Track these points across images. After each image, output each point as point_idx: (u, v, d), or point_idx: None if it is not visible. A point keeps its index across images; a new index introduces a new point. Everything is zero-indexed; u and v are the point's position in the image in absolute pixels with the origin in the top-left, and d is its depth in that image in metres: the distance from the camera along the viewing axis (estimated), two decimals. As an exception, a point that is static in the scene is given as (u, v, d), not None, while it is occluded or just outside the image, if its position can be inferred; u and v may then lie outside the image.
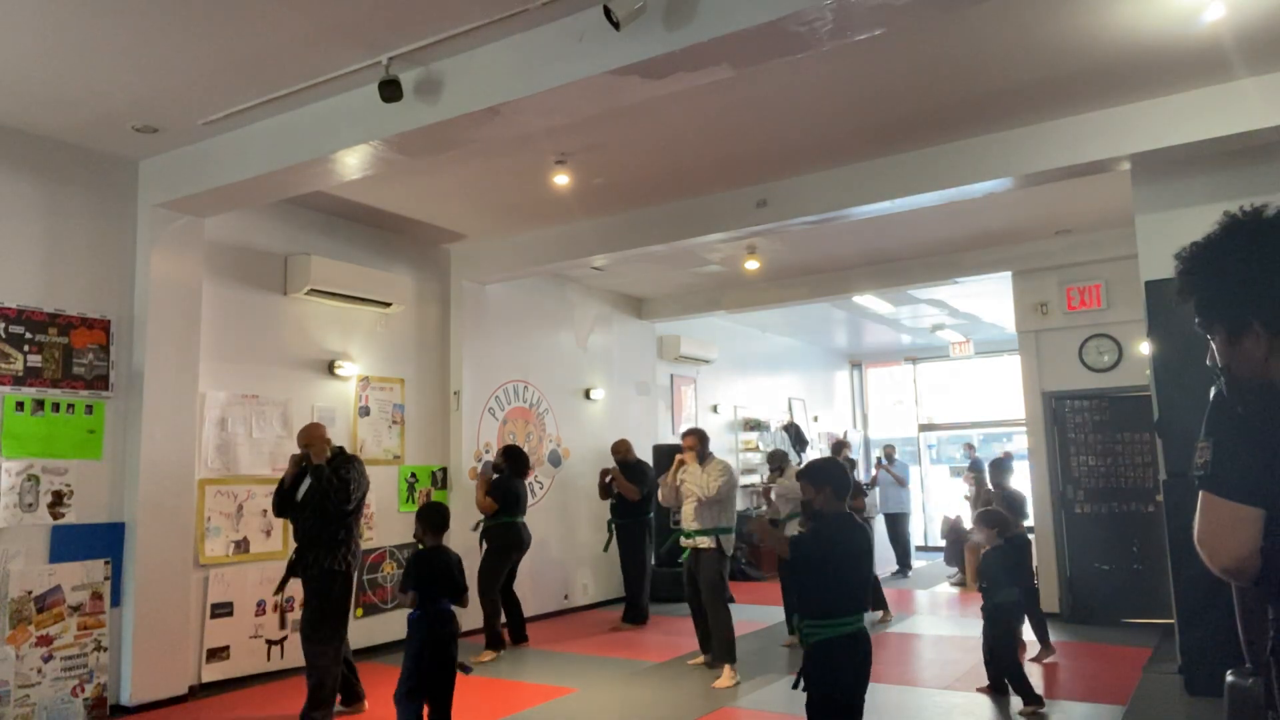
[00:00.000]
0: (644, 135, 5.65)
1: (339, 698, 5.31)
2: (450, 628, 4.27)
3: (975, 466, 12.28)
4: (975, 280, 9.06)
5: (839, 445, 11.26)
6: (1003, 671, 5.27)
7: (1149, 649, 6.71)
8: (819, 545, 3.47)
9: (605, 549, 8.52)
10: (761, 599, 9.32)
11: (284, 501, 5.20)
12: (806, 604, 3.51)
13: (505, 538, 7.10)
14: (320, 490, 5.00)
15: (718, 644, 6.06)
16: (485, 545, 7.11)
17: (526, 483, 7.45)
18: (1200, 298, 1.67)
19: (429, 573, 4.28)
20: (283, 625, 6.33)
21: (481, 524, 7.21)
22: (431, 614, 4.22)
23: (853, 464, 10.63)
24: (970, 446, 12.62)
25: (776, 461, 7.99)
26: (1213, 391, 1.64)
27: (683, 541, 6.29)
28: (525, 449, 8.56)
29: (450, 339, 8.16)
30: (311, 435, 5.19)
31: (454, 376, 8.11)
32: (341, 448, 5.34)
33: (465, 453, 8.01)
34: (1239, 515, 1.50)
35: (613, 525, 8.42)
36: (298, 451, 5.20)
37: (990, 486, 7.36)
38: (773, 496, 7.79)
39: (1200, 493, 1.57)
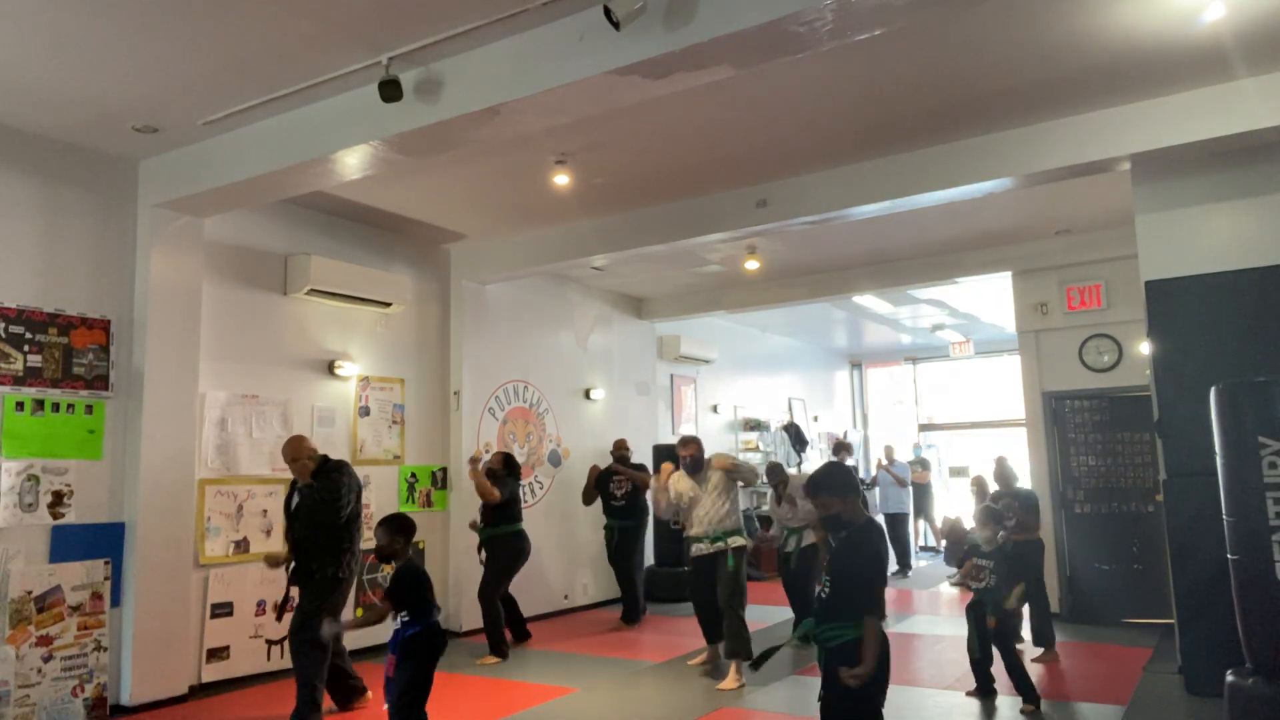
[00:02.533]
0: (644, 135, 5.65)
1: (332, 700, 5.33)
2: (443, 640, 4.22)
3: (922, 466, 13.18)
4: (975, 280, 9.06)
5: (840, 447, 11.23)
6: (1006, 668, 5.24)
7: (1149, 649, 6.72)
8: (873, 549, 3.34)
9: (608, 553, 8.43)
10: (762, 599, 9.31)
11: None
12: (837, 608, 3.31)
13: (510, 547, 7.03)
14: (309, 508, 5.02)
15: (732, 639, 5.93)
16: (488, 554, 7.01)
17: (525, 484, 7.41)
18: None
19: (425, 585, 4.15)
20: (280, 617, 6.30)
21: (481, 529, 7.11)
22: (433, 627, 4.14)
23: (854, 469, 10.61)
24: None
25: (778, 476, 7.29)
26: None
27: (703, 548, 6.07)
28: (525, 449, 8.58)
29: (450, 339, 8.16)
30: (296, 451, 5.18)
31: (454, 376, 8.11)
32: (325, 456, 5.30)
33: (465, 453, 7.99)
34: None
35: (611, 528, 8.37)
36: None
37: (999, 488, 7.23)
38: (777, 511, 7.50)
39: None
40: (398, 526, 4.16)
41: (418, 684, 4.02)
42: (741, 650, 5.92)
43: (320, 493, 5.02)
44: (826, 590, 3.34)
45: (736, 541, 6.07)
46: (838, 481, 3.44)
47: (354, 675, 5.42)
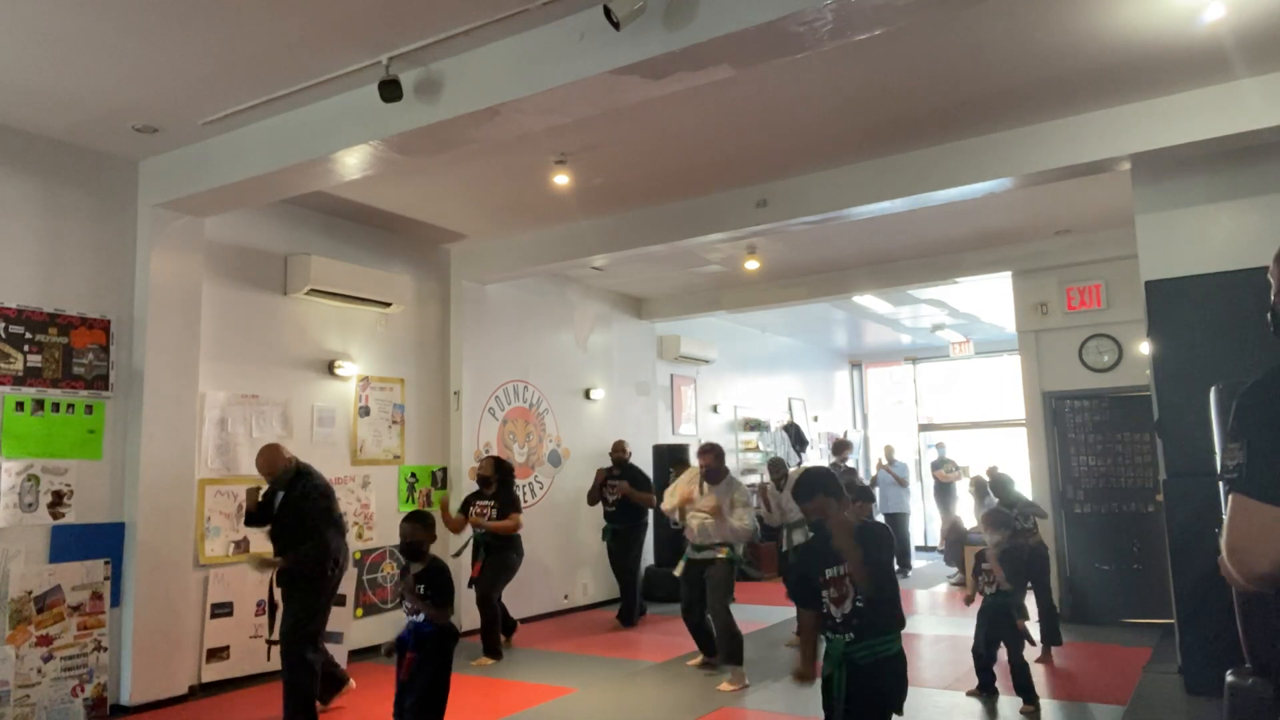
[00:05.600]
0: (644, 135, 5.65)
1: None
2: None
3: (956, 467, 13.31)
4: (975, 280, 9.06)
5: (840, 446, 11.21)
6: (1012, 668, 5.25)
7: (1149, 649, 6.72)
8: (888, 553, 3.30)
9: (609, 555, 8.43)
10: (762, 599, 9.31)
11: (254, 521, 5.22)
12: (882, 618, 3.19)
13: (512, 546, 6.99)
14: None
15: (724, 648, 5.97)
16: (488, 556, 6.92)
17: (525, 484, 7.39)
18: None
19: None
20: (272, 630, 6.28)
21: (479, 532, 6.98)
22: (451, 624, 4.16)
23: (853, 470, 10.59)
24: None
25: (779, 470, 7.71)
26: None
27: (691, 556, 6.18)
28: (525, 449, 8.58)
29: (450, 339, 8.16)
30: (270, 465, 5.11)
31: (454, 376, 8.11)
32: (295, 470, 5.14)
33: (465, 453, 8.00)
34: (1277, 518, 1.41)
35: (605, 531, 8.30)
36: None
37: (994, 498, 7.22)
38: (772, 506, 7.58)
39: (1231, 497, 1.47)
40: (429, 525, 4.24)
41: (443, 682, 4.07)
42: (732, 658, 5.92)
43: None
44: (862, 601, 3.15)
45: (720, 552, 6.03)
46: (834, 486, 3.34)
47: (335, 664, 5.39)
